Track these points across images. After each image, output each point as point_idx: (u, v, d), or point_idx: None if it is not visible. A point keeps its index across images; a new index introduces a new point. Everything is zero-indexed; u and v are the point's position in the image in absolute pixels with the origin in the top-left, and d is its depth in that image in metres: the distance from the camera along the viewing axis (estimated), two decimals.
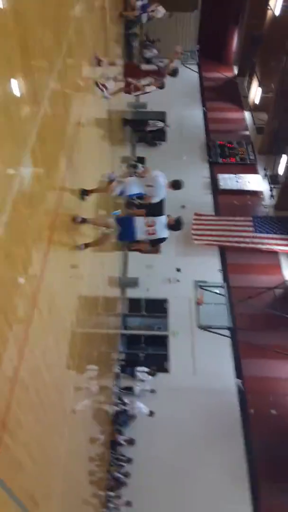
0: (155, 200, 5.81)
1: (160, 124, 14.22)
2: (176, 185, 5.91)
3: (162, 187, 5.75)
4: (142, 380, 11.96)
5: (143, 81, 8.12)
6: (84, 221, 5.18)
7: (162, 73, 9.25)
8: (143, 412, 10.91)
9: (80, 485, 6.36)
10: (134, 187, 5.75)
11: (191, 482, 10.38)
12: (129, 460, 10.52)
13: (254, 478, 10.45)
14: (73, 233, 4.92)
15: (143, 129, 13.98)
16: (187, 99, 21.88)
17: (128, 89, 8.01)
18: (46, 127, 3.51)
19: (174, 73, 8.15)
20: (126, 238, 6.01)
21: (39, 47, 3.26)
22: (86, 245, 5.35)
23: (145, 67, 9.37)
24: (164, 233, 5.66)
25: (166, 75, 9.07)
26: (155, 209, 7.08)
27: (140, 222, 5.52)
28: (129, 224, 5.54)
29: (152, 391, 11.71)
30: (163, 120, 20.27)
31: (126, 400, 10.94)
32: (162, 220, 5.62)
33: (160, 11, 12.40)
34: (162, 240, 5.88)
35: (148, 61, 18.96)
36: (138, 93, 8.15)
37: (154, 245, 6.37)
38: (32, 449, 3.60)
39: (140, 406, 10.95)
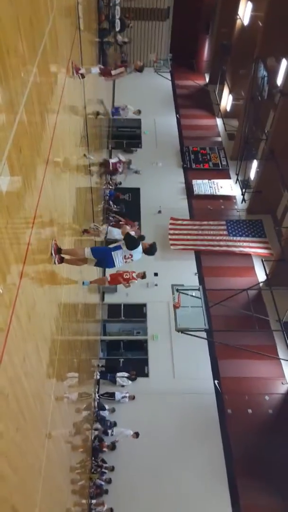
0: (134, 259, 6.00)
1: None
2: (150, 250, 6.03)
3: (139, 253, 5.94)
4: (123, 386, 11.98)
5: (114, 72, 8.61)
6: (62, 260, 5.19)
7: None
8: (127, 435, 10.89)
9: (62, 494, 6.30)
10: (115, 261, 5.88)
11: (172, 484, 10.46)
12: (112, 469, 10.50)
13: (232, 477, 10.62)
14: (51, 241, 4.93)
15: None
16: (162, 107, 22.22)
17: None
18: (22, 134, 3.54)
19: (141, 69, 8.60)
20: (105, 266, 6.30)
21: (14, 55, 3.29)
22: (61, 260, 5.26)
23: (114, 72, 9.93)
24: (138, 257, 5.93)
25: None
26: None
27: (118, 256, 5.75)
28: (108, 259, 5.78)
29: (132, 397, 11.73)
30: (138, 127, 20.50)
31: (108, 430, 10.97)
32: (138, 249, 5.83)
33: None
34: None
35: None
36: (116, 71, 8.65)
37: None
38: (13, 459, 3.58)
39: (122, 432, 10.93)
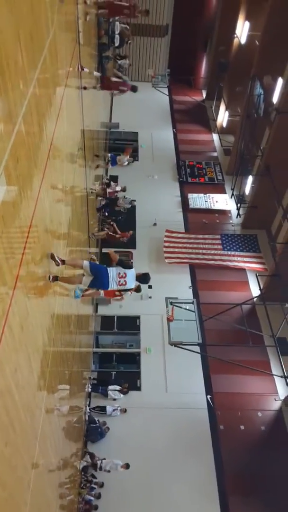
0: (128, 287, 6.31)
1: (128, 204, 15.17)
2: (143, 279, 6.48)
3: (132, 281, 6.26)
4: (114, 399, 11.84)
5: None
6: (55, 279, 5.29)
7: (127, 86, 11.21)
8: (117, 466, 10.54)
9: (50, 509, 6.17)
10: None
11: (163, 500, 10.30)
12: (102, 485, 10.30)
13: (224, 493, 10.48)
14: (46, 252, 4.92)
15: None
16: (159, 121, 22.50)
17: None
18: (20, 145, 3.56)
19: (134, 89, 9.23)
20: (99, 286, 6.41)
21: (14, 67, 3.33)
22: (55, 278, 5.29)
23: (114, 79, 10.75)
24: (132, 284, 6.23)
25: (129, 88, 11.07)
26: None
27: (113, 272, 6.03)
28: (103, 275, 5.98)
29: (124, 411, 11.59)
30: (135, 140, 20.72)
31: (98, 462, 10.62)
32: (132, 272, 6.16)
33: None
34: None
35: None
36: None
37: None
38: (1, 473, 3.51)
39: (113, 463, 10.60)
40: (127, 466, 10.50)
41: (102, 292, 8.07)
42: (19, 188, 3.60)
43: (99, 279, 6.01)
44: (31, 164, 4.00)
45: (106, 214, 14.57)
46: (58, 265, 5.20)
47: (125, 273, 6.08)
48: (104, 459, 10.66)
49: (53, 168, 5.15)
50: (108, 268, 6.11)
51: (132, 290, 6.92)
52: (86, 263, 6.02)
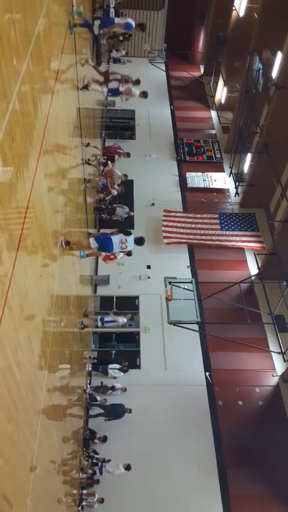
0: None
1: (125, 214, 14.96)
2: (139, 241, 8.01)
3: (131, 243, 7.77)
4: (114, 377, 12.02)
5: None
6: (68, 244, 6.35)
7: (127, 80, 10.75)
8: (119, 471, 10.38)
9: (53, 484, 6.35)
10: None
11: (163, 474, 10.58)
12: (103, 460, 10.53)
13: (222, 467, 10.77)
14: (44, 232, 4.91)
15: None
16: (156, 98, 22.05)
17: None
18: (15, 124, 3.50)
19: (137, 81, 9.66)
20: (105, 251, 7.87)
21: (6, 42, 3.24)
22: (67, 243, 6.25)
23: (112, 76, 10.82)
24: (131, 246, 7.80)
25: (130, 82, 10.49)
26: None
27: (116, 239, 7.47)
28: (109, 242, 7.40)
29: (124, 389, 11.77)
30: (132, 119, 20.38)
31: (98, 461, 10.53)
32: (131, 238, 7.77)
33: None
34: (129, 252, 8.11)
35: (116, 61, 18.99)
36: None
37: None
38: (4, 448, 3.59)
39: (114, 468, 10.47)
40: (128, 467, 10.29)
41: (102, 254, 9.22)
42: (15, 168, 3.55)
43: (105, 247, 7.43)
44: (26, 143, 3.94)
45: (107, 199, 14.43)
46: (64, 247, 6.05)
47: (126, 239, 7.57)
48: (110, 460, 10.47)
49: (49, 148, 5.08)
50: (111, 237, 7.39)
51: (125, 253, 8.20)
52: (91, 240, 7.24)
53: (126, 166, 15.73)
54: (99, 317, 11.77)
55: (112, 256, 9.80)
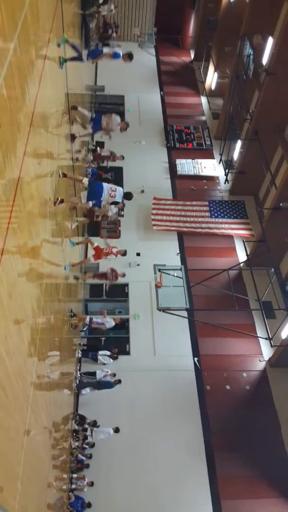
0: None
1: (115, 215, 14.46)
2: (128, 195, 8.57)
3: (120, 196, 8.22)
4: (104, 363, 12.12)
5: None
6: (65, 175, 7.07)
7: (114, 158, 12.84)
8: (108, 433, 10.80)
9: (44, 468, 6.44)
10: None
11: (152, 457, 10.79)
12: (93, 445, 10.69)
13: (210, 449, 11.02)
14: (33, 220, 4.88)
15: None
16: (145, 83, 21.81)
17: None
18: (2, 109, 3.44)
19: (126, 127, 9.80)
20: (94, 198, 8.16)
21: None
22: (61, 201, 6.77)
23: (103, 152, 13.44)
24: (119, 198, 8.16)
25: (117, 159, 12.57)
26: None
27: (107, 186, 7.99)
28: (99, 187, 7.94)
29: (113, 375, 11.87)
30: (122, 104, 20.13)
31: (88, 433, 10.83)
32: (120, 190, 8.21)
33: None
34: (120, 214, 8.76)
35: (106, 44, 18.63)
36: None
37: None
38: None
39: (103, 431, 10.84)
40: (116, 429, 10.74)
41: (92, 258, 9.76)
42: (3, 154, 3.51)
43: (95, 192, 7.90)
44: (14, 129, 3.89)
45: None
46: (56, 204, 6.54)
47: (115, 189, 8.08)
48: (99, 426, 10.85)
49: (37, 133, 5.02)
50: (103, 184, 8.06)
51: (120, 253, 8.92)
52: (85, 179, 8.02)
53: (116, 151, 15.59)
54: (88, 316, 11.47)
55: (106, 251, 9.61)
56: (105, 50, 8.91)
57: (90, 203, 8.40)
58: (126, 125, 9.37)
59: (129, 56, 8.79)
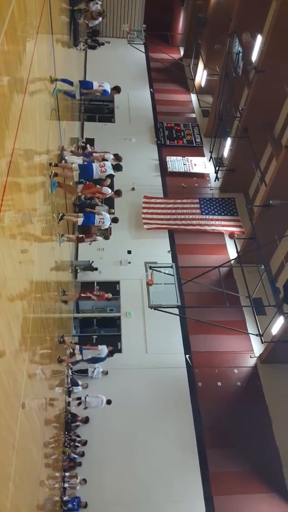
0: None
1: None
2: (117, 167, 8.74)
3: (110, 169, 8.48)
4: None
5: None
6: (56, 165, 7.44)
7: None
8: (101, 400, 11.10)
9: (36, 468, 6.41)
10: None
11: (144, 455, 10.82)
12: (85, 443, 10.69)
13: (202, 446, 11.08)
14: (23, 218, 4.84)
15: None
16: (135, 80, 21.73)
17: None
18: None
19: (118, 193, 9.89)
20: (86, 177, 8.43)
21: None
22: (56, 175, 7.25)
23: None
24: (111, 171, 8.45)
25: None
26: None
27: (96, 165, 8.40)
28: (89, 167, 8.30)
29: (106, 373, 11.86)
30: (111, 101, 20.04)
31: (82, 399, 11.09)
32: (109, 163, 8.56)
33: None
34: (112, 193, 9.47)
35: (95, 41, 18.56)
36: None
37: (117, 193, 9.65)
38: None
39: (96, 399, 11.08)
40: (109, 401, 11.05)
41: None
42: None
43: (86, 170, 8.22)
44: (2, 125, 3.85)
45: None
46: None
47: (104, 164, 8.41)
48: (87, 395, 11.13)
49: (26, 130, 4.97)
50: (92, 164, 8.43)
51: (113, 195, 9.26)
52: (75, 165, 8.14)
53: (106, 149, 15.53)
54: (77, 346, 10.84)
55: (93, 189, 9.05)
56: (95, 85, 9.28)
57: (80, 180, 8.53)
58: (118, 90, 9.38)
59: (116, 90, 9.31)
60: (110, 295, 12.64)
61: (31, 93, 5.29)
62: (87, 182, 8.75)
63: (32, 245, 5.56)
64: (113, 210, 14.62)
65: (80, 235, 10.60)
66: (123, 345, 12.77)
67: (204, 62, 20.43)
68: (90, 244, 12.12)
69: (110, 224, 9.95)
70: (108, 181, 8.79)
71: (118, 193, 9.76)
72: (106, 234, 10.96)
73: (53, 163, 7.39)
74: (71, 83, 8.83)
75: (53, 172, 7.25)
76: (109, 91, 9.38)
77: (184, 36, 24.20)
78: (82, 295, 12.68)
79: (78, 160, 8.89)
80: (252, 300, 12.16)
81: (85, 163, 8.72)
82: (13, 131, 4.28)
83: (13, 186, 4.31)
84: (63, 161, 8.66)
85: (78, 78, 14.85)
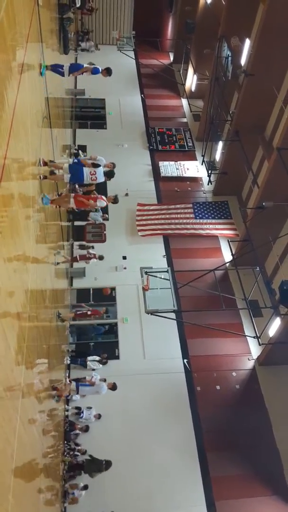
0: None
1: (99, 218, 14.18)
2: (109, 174, 8.41)
3: (101, 176, 8.20)
4: (94, 369, 12.02)
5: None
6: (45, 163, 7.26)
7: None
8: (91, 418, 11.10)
9: (35, 479, 6.34)
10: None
11: (145, 461, 10.75)
12: (85, 452, 10.59)
13: (202, 450, 11.03)
14: (16, 226, 4.81)
15: None
16: (126, 86, 21.84)
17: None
18: None
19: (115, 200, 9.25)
20: (76, 181, 8.46)
21: None
22: (45, 177, 7.19)
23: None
24: (102, 178, 8.19)
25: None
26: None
27: (87, 171, 8.19)
28: (80, 172, 8.10)
29: (104, 380, 11.77)
30: (103, 108, 20.13)
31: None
32: (100, 169, 8.23)
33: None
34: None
35: (84, 50, 18.64)
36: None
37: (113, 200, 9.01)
38: None
39: (87, 416, 11.06)
40: (99, 416, 11.10)
41: (72, 201, 8.62)
42: None
43: (77, 175, 8.08)
44: None
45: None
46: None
47: (95, 171, 8.14)
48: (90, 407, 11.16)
49: (17, 139, 4.96)
50: (83, 168, 8.19)
51: (110, 200, 8.80)
52: (65, 166, 8.01)
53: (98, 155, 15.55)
54: (74, 383, 10.74)
55: (93, 196, 9.16)
56: (85, 64, 9.02)
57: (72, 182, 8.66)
58: (109, 72, 9.13)
59: (107, 71, 8.91)
60: (104, 309, 12.71)
61: (22, 101, 5.28)
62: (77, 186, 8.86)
63: (27, 252, 5.53)
64: (106, 215, 14.69)
65: (74, 256, 11.06)
66: (121, 351, 12.71)
67: (194, 67, 20.57)
68: (87, 263, 13.00)
69: (106, 204, 8.90)
70: (111, 199, 8.87)
71: (115, 200, 9.07)
72: (101, 255, 11.94)
73: (42, 176, 7.17)
74: (61, 67, 8.52)
75: (42, 176, 7.10)
76: (100, 70, 9.14)
77: (173, 42, 24.38)
78: (78, 312, 12.61)
79: (71, 161, 8.96)
80: (248, 302, 12.16)
81: (77, 165, 8.59)
82: (4, 140, 4.26)
83: (6, 195, 4.29)
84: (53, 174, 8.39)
85: (69, 86, 14.90)
